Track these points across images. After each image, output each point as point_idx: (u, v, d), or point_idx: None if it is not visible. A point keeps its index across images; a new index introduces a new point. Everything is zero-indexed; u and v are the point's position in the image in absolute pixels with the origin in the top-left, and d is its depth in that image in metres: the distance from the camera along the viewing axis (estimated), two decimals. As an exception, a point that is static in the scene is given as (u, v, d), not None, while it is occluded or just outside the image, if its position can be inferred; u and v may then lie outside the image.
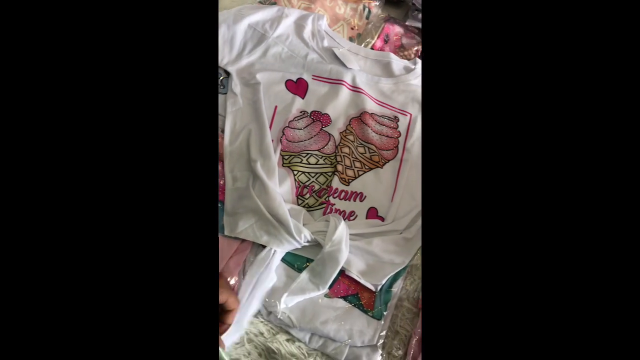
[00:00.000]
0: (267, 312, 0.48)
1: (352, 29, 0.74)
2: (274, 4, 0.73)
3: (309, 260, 0.51)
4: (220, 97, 0.61)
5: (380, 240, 0.51)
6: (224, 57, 0.64)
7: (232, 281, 0.48)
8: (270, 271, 0.48)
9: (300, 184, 0.56)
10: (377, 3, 0.77)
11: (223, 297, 0.41)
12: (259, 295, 0.47)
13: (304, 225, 0.50)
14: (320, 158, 0.58)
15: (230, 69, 0.63)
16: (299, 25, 0.68)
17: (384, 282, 0.49)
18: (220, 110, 0.60)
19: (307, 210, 0.54)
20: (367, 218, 0.55)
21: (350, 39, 0.73)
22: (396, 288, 0.51)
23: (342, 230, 0.49)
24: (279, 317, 0.47)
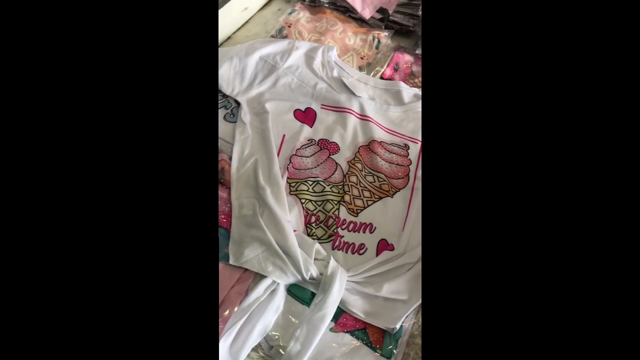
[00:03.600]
0: (268, 346, 0.46)
1: (361, 58, 0.75)
2: (286, 37, 0.75)
3: (314, 294, 0.49)
4: (230, 126, 0.62)
5: (388, 284, 0.48)
6: (235, 87, 0.65)
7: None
8: (273, 301, 0.46)
9: (309, 211, 0.55)
10: (387, 33, 0.78)
11: None
12: (260, 326, 0.45)
13: (315, 260, 0.49)
14: (327, 186, 0.57)
15: (240, 98, 0.64)
16: (309, 57, 0.69)
17: (398, 325, 0.46)
18: (228, 139, 0.61)
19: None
20: (377, 253, 0.52)
21: (360, 68, 0.73)
22: (407, 323, 0.48)
23: (337, 292, 0.46)
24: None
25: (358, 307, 0.48)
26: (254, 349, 0.45)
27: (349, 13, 0.80)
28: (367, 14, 0.79)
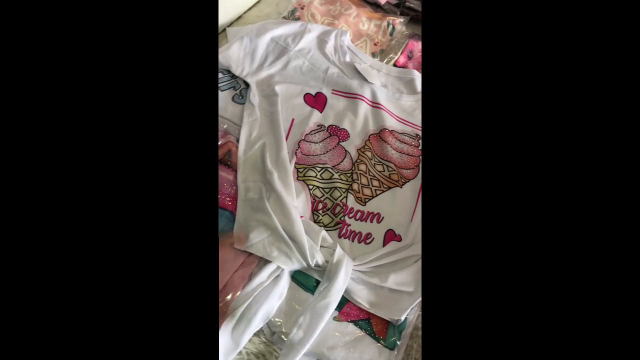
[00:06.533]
0: (270, 332, 0.45)
1: (375, 44, 0.73)
2: (298, 19, 0.73)
3: (318, 282, 0.48)
4: (238, 107, 0.60)
5: (394, 275, 0.47)
6: (244, 68, 0.63)
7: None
8: (277, 287, 0.46)
9: (316, 198, 0.54)
10: (402, 20, 0.76)
11: None
12: (263, 312, 0.44)
13: (320, 247, 0.48)
14: (336, 173, 0.56)
15: (249, 80, 0.62)
16: (322, 40, 0.67)
17: (403, 317, 0.46)
18: (236, 120, 0.59)
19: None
20: (384, 243, 0.51)
21: (373, 55, 0.71)
22: (412, 316, 0.48)
23: (342, 281, 0.45)
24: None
25: (363, 297, 0.47)
26: (256, 334, 0.45)
27: (364, -3, 0.78)
28: (382, -2, 0.76)
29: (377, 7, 0.78)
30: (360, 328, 0.46)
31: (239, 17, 0.74)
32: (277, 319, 0.45)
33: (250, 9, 0.76)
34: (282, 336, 0.44)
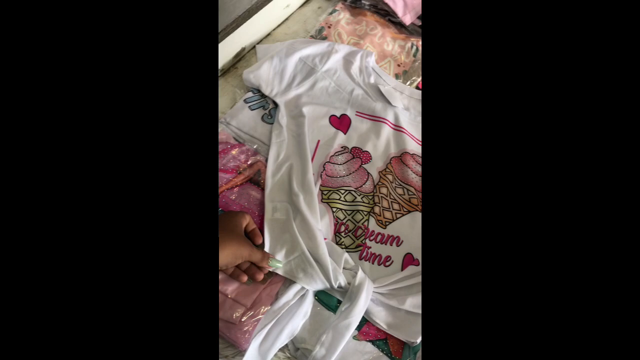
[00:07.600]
0: (294, 347, 0.49)
1: (398, 65, 0.75)
2: (325, 38, 0.75)
3: (339, 301, 0.51)
4: (266, 127, 0.63)
5: (411, 298, 0.50)
6: (274, 88, 0.66)
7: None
8: (302, 306, 0.49)
9: (339, 220, 0.56)
10: (426, 43, 0.77)
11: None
12: (288, 329, 0.47)
13: (343, 269, 0.51)
14: (358, 195, 0.58)
15: (278, 100, 0.65)
16: (348, 61, 0.70)
17: (418, 340, 0.48)
18: (265, 140, 0.62)
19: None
20: (403, 266, 0.54)
21: (396, 76, 0.73)
22: (425, 337, 0.50)
23: (363, 302, 0.48)
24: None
25: (381, 318, 0.50)
26: (281, 350, 0.48)
27: (389, 17, 0.80)
28: (407, 19, 0.78)
29: (401, 27, 0.79)
30: (378, 348, 0.49)
31: (268, 35, 0.77)
32: (301, 336, 0.48)
33: (278, 26, 0.78)
34: (305, 353, 0.48)
